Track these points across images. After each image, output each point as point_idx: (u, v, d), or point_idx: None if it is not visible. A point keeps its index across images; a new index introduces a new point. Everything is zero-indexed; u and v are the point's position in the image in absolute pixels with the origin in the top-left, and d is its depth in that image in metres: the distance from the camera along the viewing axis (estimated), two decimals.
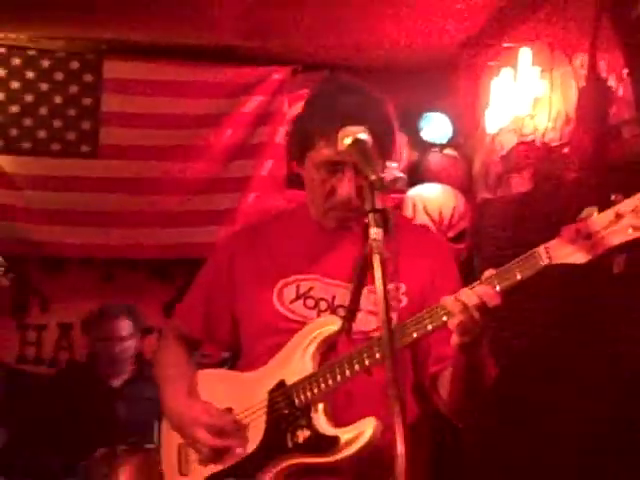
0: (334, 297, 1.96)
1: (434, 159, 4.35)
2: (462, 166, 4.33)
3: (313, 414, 1.86)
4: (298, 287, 1.99)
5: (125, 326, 3.98)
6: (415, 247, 1.96)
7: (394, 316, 1.72)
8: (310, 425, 1.85)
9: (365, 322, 1.87)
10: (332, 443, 1.82)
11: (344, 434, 1.81)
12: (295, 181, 4.27)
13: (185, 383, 2.12)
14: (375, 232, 1.47)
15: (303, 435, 1.86)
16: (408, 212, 4.04)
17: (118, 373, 3.97)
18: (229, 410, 2.00)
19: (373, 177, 1.52)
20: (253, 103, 4.49)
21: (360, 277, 1.72)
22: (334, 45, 4.30)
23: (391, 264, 1.47)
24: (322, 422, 1.85)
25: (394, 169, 4.23)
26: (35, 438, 3.81)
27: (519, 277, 1.57)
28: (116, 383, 3.96)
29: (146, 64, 4.44)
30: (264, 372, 1.98)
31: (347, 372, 1.81)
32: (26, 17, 4.08)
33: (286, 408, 1.89)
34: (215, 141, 4.47)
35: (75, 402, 3.84)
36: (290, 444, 1.87)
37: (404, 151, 4.35)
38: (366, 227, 1.64)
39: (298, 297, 1.98)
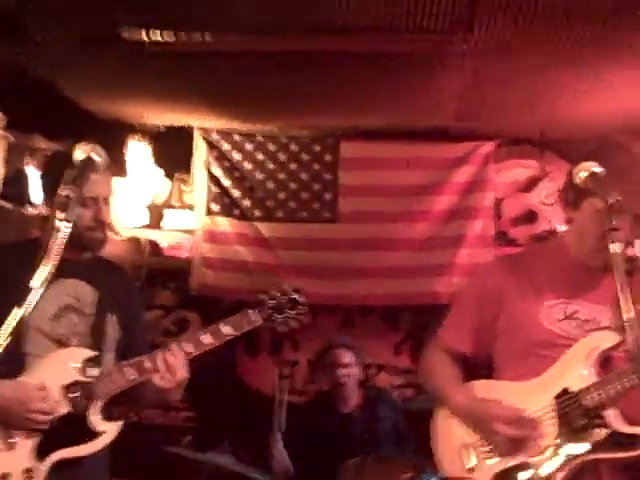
0: (599, 319, 2.11)
1: None
2: None
3: (607, 415, 1.96)
4: (564, 309, 2.13)
5: (346, 355, 4.31)
6: None
7: None
8: (607, 424, 1.96)
9: None
10: (632, 439, 1.94)
11: None
12: (501, 239, 4.87)
13: (465, 388, 2.25)
14: (614, 248, 1.65)
15: (602, 434, 1.96)
16: None
17: (346, 398, 4.28)
18: (522, 411, 2.09)
19: (611, 200, 1.72)
20: (465, 173, 4.96)
21: (628, 300, 1.88)
22: (530, 122, 4.68)
23: None
24: (618, 421, 1.96)
25: None
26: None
27: None
28: (346, 409, 4.29)
29: (375, 144, 5.03)
30: (544, 380, 2.10)
31: (633, 380, 1.92)
32: (277, 112, 4.81)
33: (578, 410, 1.99)
34: (434, 206, 4.96)
35: (317, 425, 4.24)
36: (587, 442, 1.98)
37: None
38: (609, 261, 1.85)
39: (565, 318, 2.12)
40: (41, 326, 2.43)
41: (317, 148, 5.14)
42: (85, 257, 2.55)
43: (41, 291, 1.62)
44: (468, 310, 2.33)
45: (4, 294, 2.22)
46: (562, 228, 4.71)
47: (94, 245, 2.54)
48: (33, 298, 1.61)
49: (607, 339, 2.05)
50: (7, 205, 4.42)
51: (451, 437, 2.24)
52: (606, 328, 2.08)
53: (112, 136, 4.74)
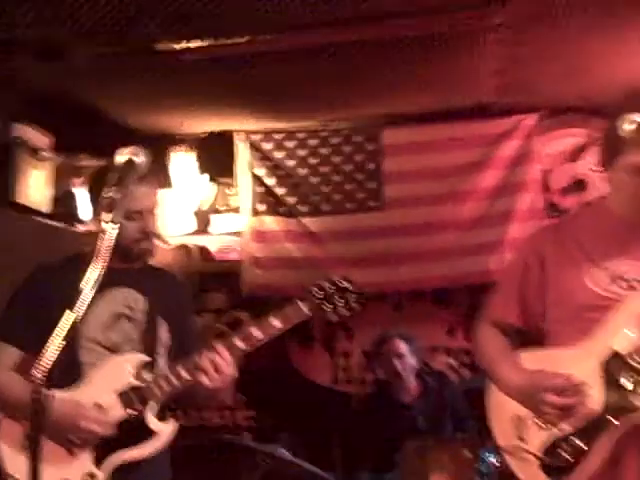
0: None
1: None
2: None
3: None
4: (611, 271, 2.12)
5: (401, 345, 4.35)
6: None
7: None
8: None
9: None
10: None
11: None
12: (553, 210, 4.82)
13: (514, 361, 2.27)
14: None
15: None
16: None
17: (405, 388, 4.32)
18: (568, 377, 2.10)
19: None
20: (509, 147, 4.89)
21: None
22: (573, 90, 4.59)
23: None
24: None
25: None
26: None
27: None
28: (407, 399, 4.34)
29: (417, 128, 5.00)
30: (591, 344, 2.09)
31: None
32: (315, 107, 4.83)
33: (626, 372, 2.00)
34: (480, 184, 4.92)
35: (380, 417, 4.30)
36: (637, 403, 1.99)
37: None
38: None
39: (612, 279, 2.10)
40: (96, 336, 2.51)
41: (359, 138, 5.12)
42: (135, 267, 2.62)
43: (91, 294, 1.64)
44: (514, 282, 2.32)
45: (59, 309, 2.37)
46: None
47: (143, 256, 2.61)
48: (84, 301, 1.64)
49: None
50: (58, 224, 4.49)
51: (503, 408, 2.25)
52: None
53: (155, 148, 4.77)
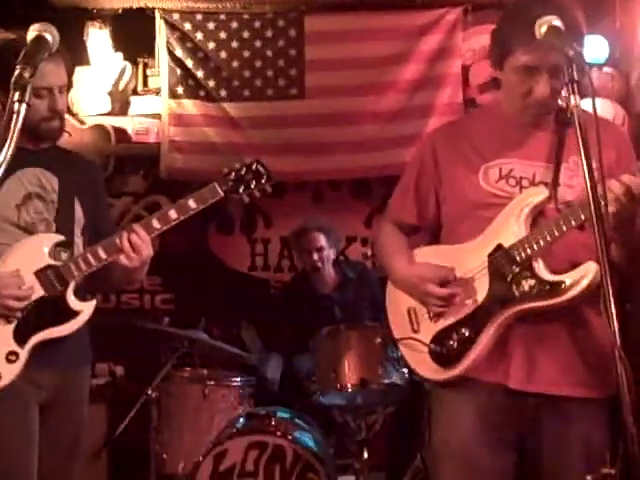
0: (534, 175, 2.15)
1: (593, 77, 4.76)
2: (619, 82, 4.68)
3: (535, 266, 2.05)
4: (500, 169, 2.17)
5: (320, 238, 4.39)
6: (605, 129, 2.10)
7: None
8: (534, 275, 2.04)
9: (565, 194, 2.10)
10: (557, 287, 2.01)
11: (567, 278, 2.01)
12: (470, 106, 4.92)
13: (407, 255, 2.33)
14: (575, 100, 1.65)
15: (529, 284, 2.04)
16: None
17: (324, 280, 4.42)
18: (451, 269, 2.19)
19: (571, 52, 1.69)
20: (431, 41, 4.91)
21: (559, 154, 2.06)
22: None
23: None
24: (544, 272, 2.04)
25: None
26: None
27: None
28: (325, 290, 4.42)
29: (339, 17, 4.98)
30: (480, 241, 2.16)
31: (562, 228, 1.99)
32: None
33: (508, 264, 2.07)
34: (401, 76, 4.93)
35: (299, 304, 4.40)
36: (517, 293, 2.06)
37: None
38: (558, 114, 1.98)
39: (501, 177, 2.17)
40: (8, 215, 2.50)
41: (281, 23, 5.05)
42: (44, 147, 2.59)
43: (1, 175, 1.60)
44: (412, 181, 2.36)
45: None
46: None
47: (52, 135, 2.58)
48: None
49: (537, 193, 2.10)
50: None
51: (398, 302, 2.33)
52: (539, 183, 2.13)
53: (69, 23, 4.61)
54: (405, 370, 3.37)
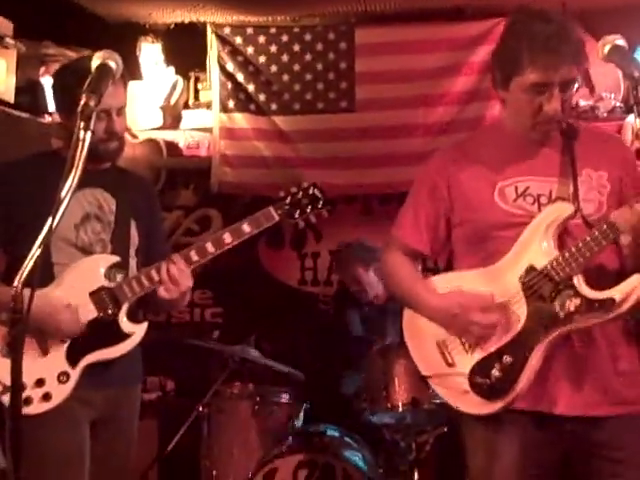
0: (551, 191, 2.11)
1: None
2: None
3: (577, 285, 1.99)
4: (516, 187, 2.13)
5: (356, 270, 4.28)
6: (609, 142, 2.23)
7: (603, 200, 2.11)
8: (578, 293, 1.98)
9: (584, 208, 2.07)
10: (606, 303, 1.96)
11: (616, 294, 1.95)
12: None
13: (430, 285, 2.22)
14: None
15: (574, 303, 1.98)
16: (628, 136, 4.37)
17: (370, 295, 4.31)
18: (490, 295, 2.08)
19: (636, 73, 1.72)
20: (482, 52, 4.77)
21: (574, 168, 2.04)
22: None
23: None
24: (588, 289, 1.98)
25: (612, 99, 4.62)
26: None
27: None
28: (375, 302, 4.31)
29: (390, 29, 4.92)
30: (506, 263, 2.09)
31: (601, 243, 1.96)
32: (288, 2, 4.77)
33: (547, 285, 2.01)
34: (451, 88, 4.88)
35: (345, 317, 4.34)
36: (561, 314, 1.99)
37: (621, 82, 4.72)
38: (565, 130, 1.98)
39: (518, 195, 2.12)
40: (67, 235, 2.52)
41: (331, 36, 5.04)
42: (103, 167, 2.61)
43: (67, 200, 1.63)
44: (422, 205, 2.28)
45: (30, 206, 2.37)
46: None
47: (110, 156, 2.60)
48: (61, 208, 1.63)
49: (562, 210, 2.06)
50: (23, 115, 4.39)
51: (423, 336, 2.22)
52: (558, 199, 2.09)
53: (123, 39, 4.69)
54: None
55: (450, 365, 2.14)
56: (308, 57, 5.05)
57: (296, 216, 2.52)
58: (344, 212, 5.05)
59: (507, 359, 2.05)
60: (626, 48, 1.84)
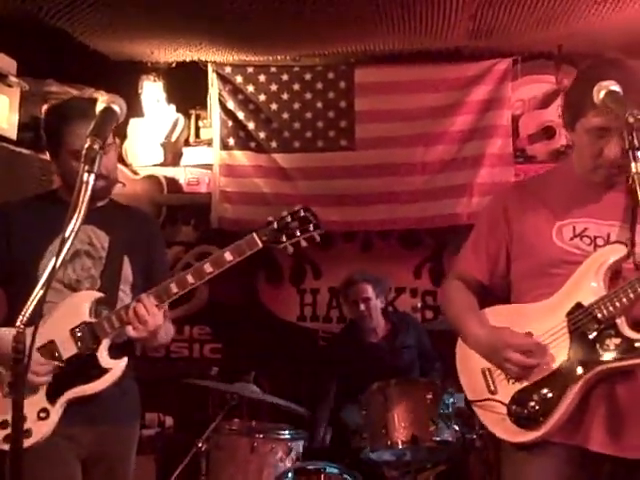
0: (609, 235, 2.13)
1: None
2: None
3: (619, 324, 2.02)
4: (574, 227, 2.16)
5: (367, 289, 4.38)
6: None
7: None
8: (619, 333, 2.01)
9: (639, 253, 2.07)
10: None
11: None
12: (520, 156, 4.91)
13: (480, 316, 2.27)
14: (637, 167, 1.72)
15: (614, 342, 2.01)
16: None
17: (372, 329, 4.40)
18: (529, 334, 2.14)
19: (631, 119, 1.74)
20: (481, 92, 4.92)
21: (635, 214, 2.06)
22: (546, 37, 4.60)
23: None
24: (629, 330, 2.01)
25: None
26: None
27: None
28: (375, 339, 4.41)
29: (389, 69, 5.02)
30: (556, 299, 2.12)
31: None
32: (289, 42, 4.84)
33: (590, 323, 2.04)
34: (450, 127, 4.95)
35: (349, 353, 4.39)
36: (601, 352, 2.02)
37: None
38: (630, 178, 1.89)
39: (575, 235, 2.15)
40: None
41: (331, 76, 5.13)
42: (96, 205, 2.56)
43: (70, 242, 1.64)
44: (483, 237, 2.34)
45: (29, 245, 2.39)
46: None
47: (97, 195, 2.49)
48: (64, 248, 1.64)
49: (615, 251, 2.08)
50: (25, 151, 4.43)
51: (471, 362, 2.27)
52: (615, 242, 2.11)
53: (125, 77, 4.76)
54: (456, 427, 3.31)
55: (492, 392, 2.21)
56: (308, 96, 5.12)
57: (283, 240, 2.39)
58: (343, 249, 5.17)
59: (545, 392, 2.09)
60: (621, 93, 1.86)
